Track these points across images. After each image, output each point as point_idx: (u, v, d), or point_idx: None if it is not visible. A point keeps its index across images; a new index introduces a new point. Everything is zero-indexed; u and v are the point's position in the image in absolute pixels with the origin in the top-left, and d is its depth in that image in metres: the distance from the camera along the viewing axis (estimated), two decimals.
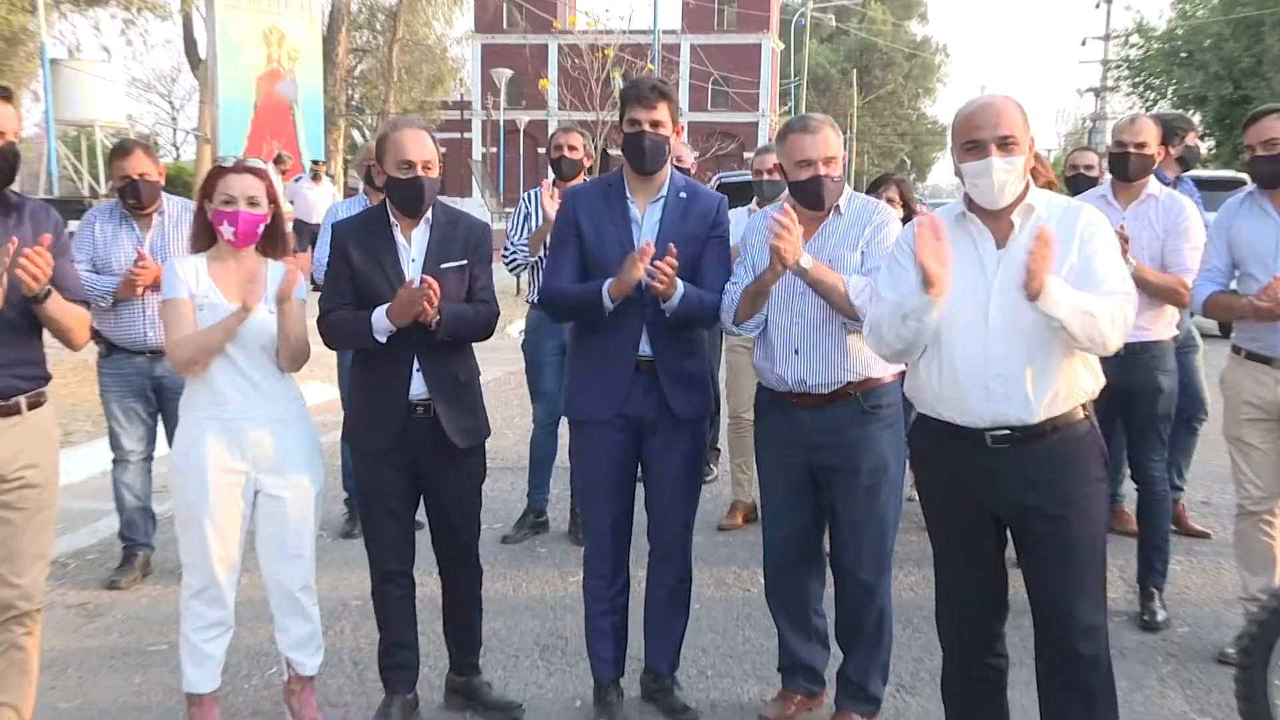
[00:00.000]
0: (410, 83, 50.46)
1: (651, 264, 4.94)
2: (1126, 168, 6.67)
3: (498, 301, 5.35)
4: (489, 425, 5.43)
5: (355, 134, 49.84)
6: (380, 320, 4.95)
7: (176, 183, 32.40)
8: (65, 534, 7.84)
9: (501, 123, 58.80)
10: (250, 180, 5.01)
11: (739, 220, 6.87)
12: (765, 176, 8.17)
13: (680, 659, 5.68)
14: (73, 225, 6.41)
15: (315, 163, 24.48)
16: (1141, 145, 6.63)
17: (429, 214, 5.18)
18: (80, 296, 4.96)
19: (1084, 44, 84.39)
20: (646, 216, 5.30)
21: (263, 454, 5.08)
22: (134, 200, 7.11)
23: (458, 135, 65.71)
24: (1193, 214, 6.58)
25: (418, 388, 5.10)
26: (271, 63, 29.59)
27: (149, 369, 7.13)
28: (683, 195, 5.34)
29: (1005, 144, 4.10)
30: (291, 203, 20.14)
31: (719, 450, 10.06)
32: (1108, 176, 6.97)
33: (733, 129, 69.30)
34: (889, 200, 7.34)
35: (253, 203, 4.99)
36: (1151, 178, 6.70)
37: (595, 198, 5.42)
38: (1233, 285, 6.20)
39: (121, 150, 7.31)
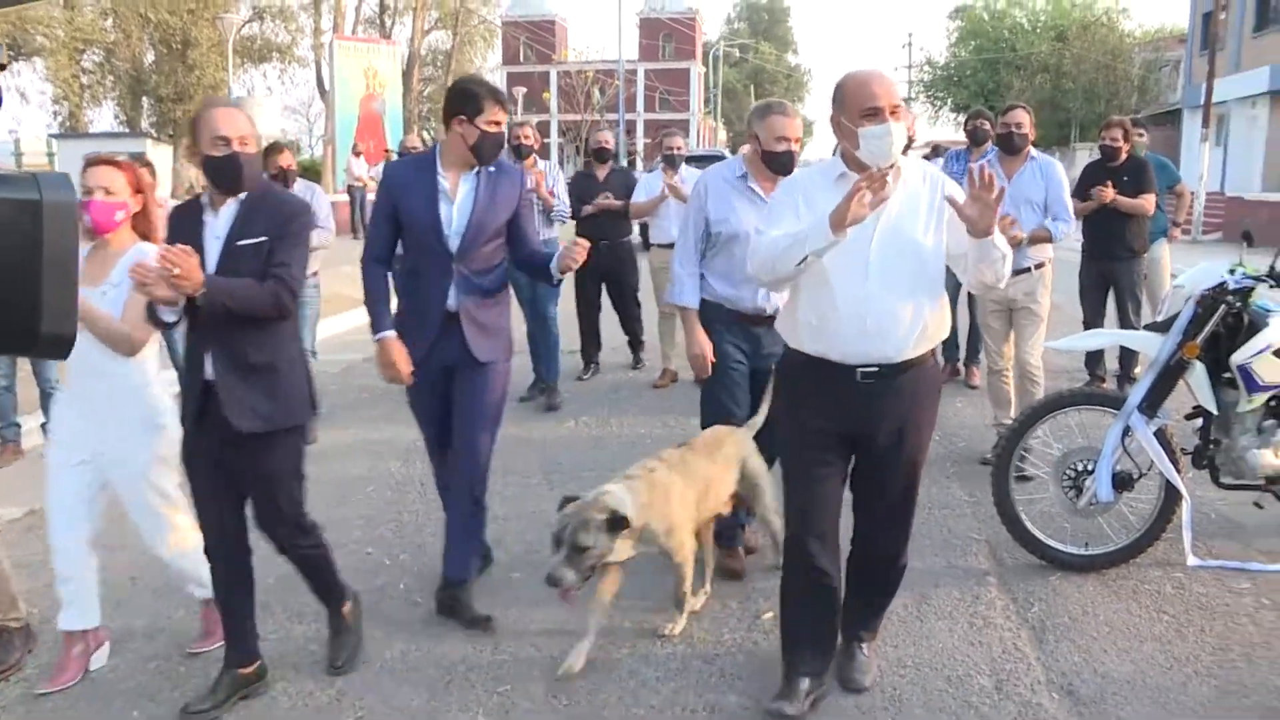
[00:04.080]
0: None
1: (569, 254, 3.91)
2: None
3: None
4: (306, 409, 3.57)
5: (425, 135, 49.41)
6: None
7: (311, 173, 33.08)
8: None
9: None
10: (103, 170, 3.60)
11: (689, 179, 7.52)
12: (675, 151, 8.25)
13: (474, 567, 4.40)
14: None
15: (386, 150, 24.53)
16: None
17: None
18: None
19: (895, 70, 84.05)
20: (458, 190, 4.00)
21: (99, 427, 3.64)
22: (282, 183, 6.57)
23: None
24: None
25: (209, 369, 3.37)
26: (369, 89, 29.36)
27: None
28: (492, 170, 4.04)
29: (895, 111, 3.13)
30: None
31: (644, 342, 9.09)
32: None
33: (672, 123, 68.66)
34: None
35: (108, 192, 3.57)
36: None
37: (409, 173, 4.11)
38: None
39: (274, 149, 6.97)
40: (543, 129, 65.06)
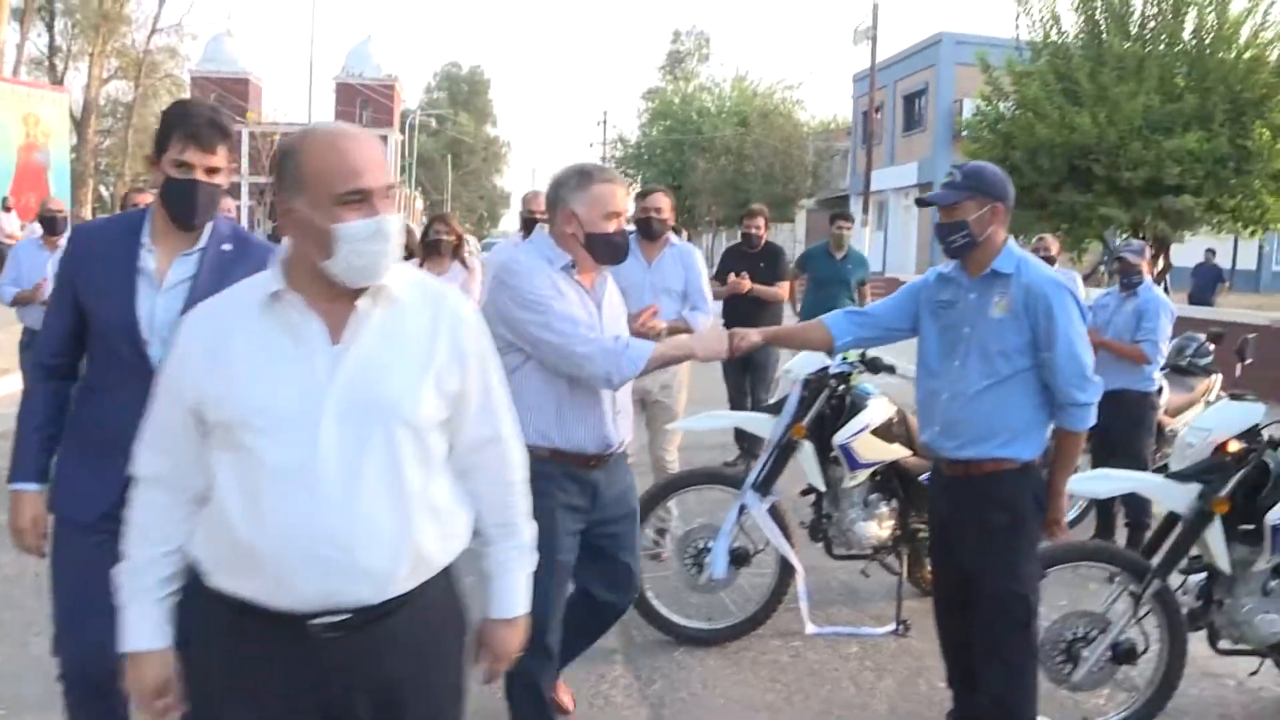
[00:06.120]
0: (142, 153, 47.23)
1: None
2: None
3: None
4: None
5: (101, 189, 46.53)
6: None
7: None
8: None
9: None
10: None
11: None
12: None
13: None
14: None
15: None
16: (543, 211, 6.35)
17: None
18: None
19: (591, 146, 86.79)
20: (171, 273, 2.78)
21: None
22: None
23: None
24: None
25: None
26: (29, 137, 27.24)
27: None
28: (227, 248, 2.87)
29: (389, 195, 1.93)
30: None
31: None
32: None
33: None
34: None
35: None
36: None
37: (100, 241, 2.88)
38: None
39: None
40: (233, 190, 62.96)
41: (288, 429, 1.87)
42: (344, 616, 1.90)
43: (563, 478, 3.21)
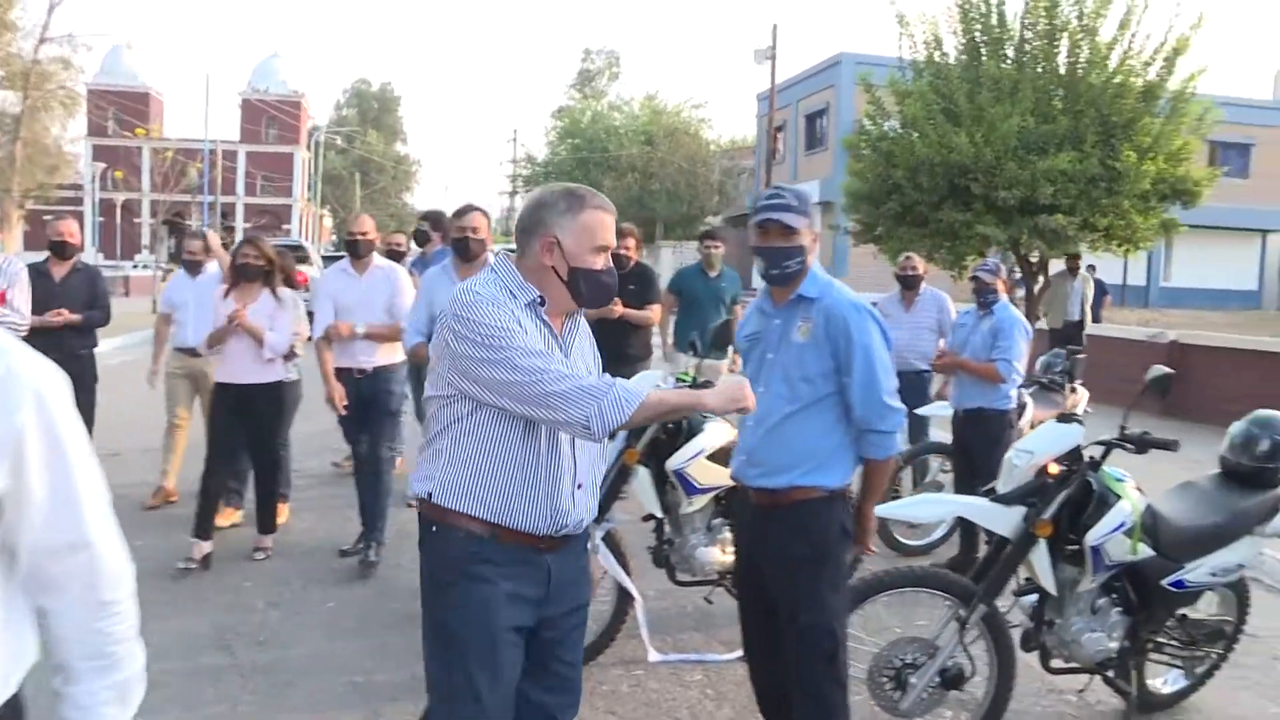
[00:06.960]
0: (33, 168, 45.61)
1: None
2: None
3: None
4: None
5: None
6: None
7: None
8: None
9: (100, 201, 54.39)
10: None
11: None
12: (190, 256, 7.36)
13: None
14: None
15: None
16: (365, 233, 6.11)
17: None
18: None
19: (500, 164, 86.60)
20: None
21: None
22: None
23: (75, 208, 60.76)
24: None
25: None
26: None
27: None
28: None
29: None
30: None
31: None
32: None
33: (272, 209, 66.90)
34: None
35: None
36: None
37: None
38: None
39: None
40: (134, 208, 61.27)
41: None
42: None
43: (507, 561, 2.59)
